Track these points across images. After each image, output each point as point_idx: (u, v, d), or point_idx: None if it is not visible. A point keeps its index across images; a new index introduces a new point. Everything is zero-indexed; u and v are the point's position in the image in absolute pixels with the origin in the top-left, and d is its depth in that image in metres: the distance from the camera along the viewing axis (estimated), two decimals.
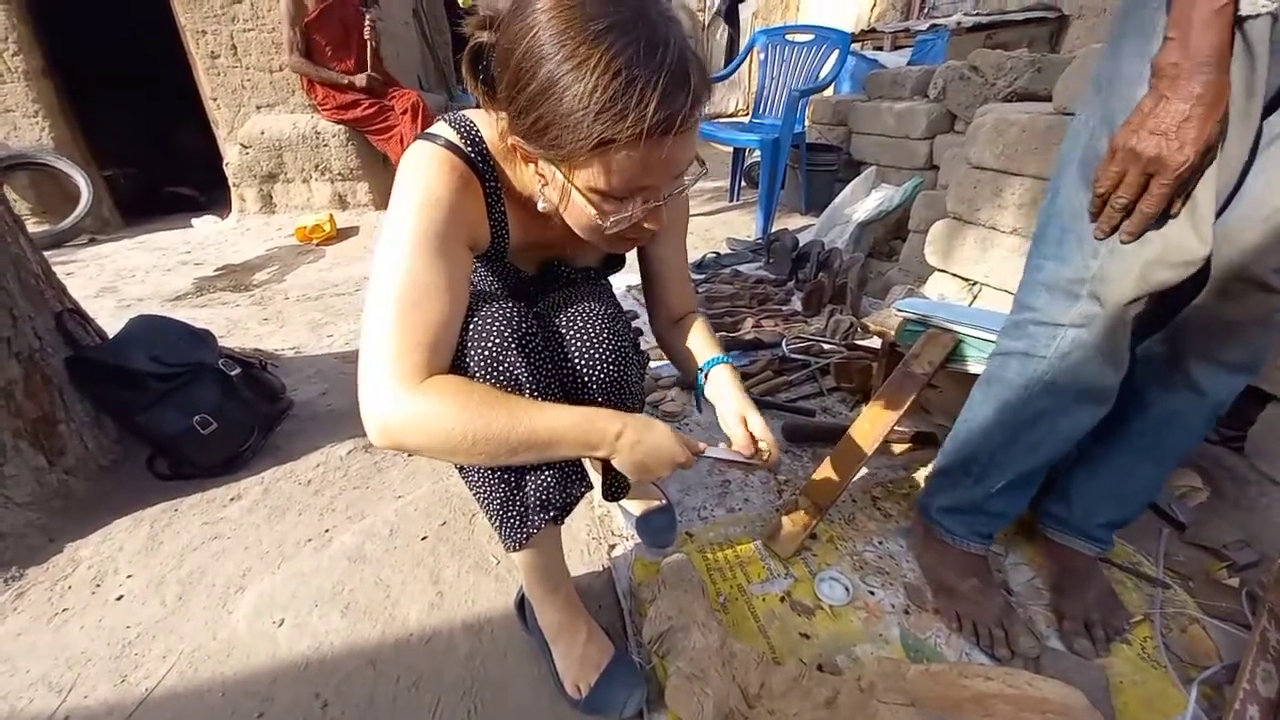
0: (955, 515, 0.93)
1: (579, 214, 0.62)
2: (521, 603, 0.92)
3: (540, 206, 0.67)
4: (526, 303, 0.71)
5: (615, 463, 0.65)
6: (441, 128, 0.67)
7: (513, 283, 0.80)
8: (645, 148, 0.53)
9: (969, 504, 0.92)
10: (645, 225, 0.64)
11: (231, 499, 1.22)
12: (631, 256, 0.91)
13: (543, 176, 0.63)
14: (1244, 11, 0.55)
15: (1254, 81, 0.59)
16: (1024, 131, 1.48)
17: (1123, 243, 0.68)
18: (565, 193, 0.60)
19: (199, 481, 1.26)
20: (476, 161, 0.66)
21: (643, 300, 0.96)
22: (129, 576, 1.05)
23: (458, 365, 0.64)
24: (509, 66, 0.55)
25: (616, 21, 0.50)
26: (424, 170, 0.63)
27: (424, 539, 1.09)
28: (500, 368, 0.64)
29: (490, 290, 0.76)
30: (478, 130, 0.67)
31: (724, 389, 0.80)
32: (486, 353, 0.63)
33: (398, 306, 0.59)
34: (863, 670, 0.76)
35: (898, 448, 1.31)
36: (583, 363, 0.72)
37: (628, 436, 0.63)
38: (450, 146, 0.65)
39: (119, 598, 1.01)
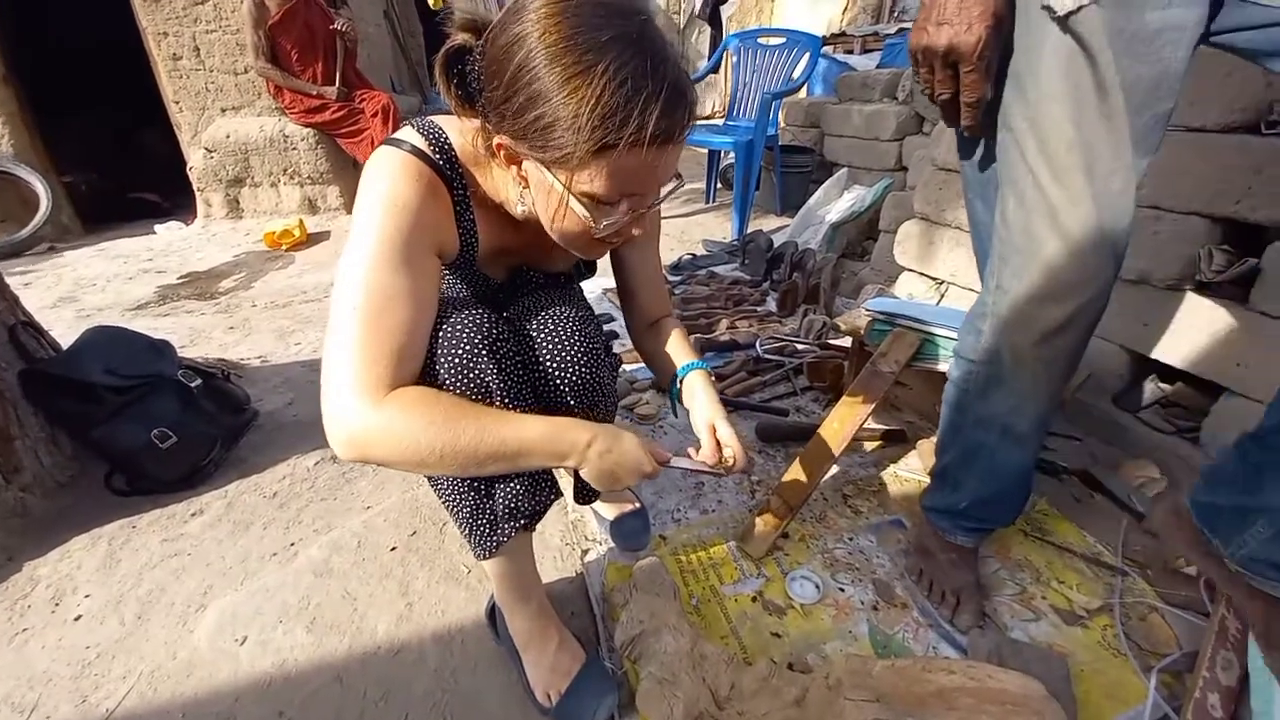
0: (940, 515, 0.94)
1: (565, 217, 0.61)
2: (493, 611, 0.91)
3: (518, 211, 0.67)
4: (496, 310, 0.70)
5: (584, 472, 0.65)
6: (408, 133, 0.66)
7: (482, 290, 0.79)
8: (644, 155, 0.54)
9: (949, 508, 0.92)
10: (629, 230, 0.64)
11: (193, 514, 1.19)
12: (604, 263, 0.92)
13: (524, 180, 0.62)
14: (1058, 11, 0.55)
15: (1102, 78, 0.58)
16: None
17: (967, 134, 0.67)
18: (553, 196, 0.60)
19: (159, 497, 1.22)
20: (444, 168, 0.65)
21: (619, 303, 0.96)
22: (87, 596, 1.02)
23: (427, 373, 0.63)
24: (504, 67, 0.54)
25: (621, 35, 0.52)
26: (388, 177, 0.62)
27: (393, 550, 1.08)
28: (470, 375, 0.63)
29: (459, 298, 0.75)
30: (445, 136, 0.66)
31: (697, 396, 0.81)
32: (457, 360, 0.62)
33: (362, 316, 0.58)
34: (831, 668, 0.77)
35: (868, 445, 1.33)
36: (554, 365, 0.72)
37: (597, 446, 0.63)
38: (416, 152, 0.64)
39: (78, 617, 0.98)
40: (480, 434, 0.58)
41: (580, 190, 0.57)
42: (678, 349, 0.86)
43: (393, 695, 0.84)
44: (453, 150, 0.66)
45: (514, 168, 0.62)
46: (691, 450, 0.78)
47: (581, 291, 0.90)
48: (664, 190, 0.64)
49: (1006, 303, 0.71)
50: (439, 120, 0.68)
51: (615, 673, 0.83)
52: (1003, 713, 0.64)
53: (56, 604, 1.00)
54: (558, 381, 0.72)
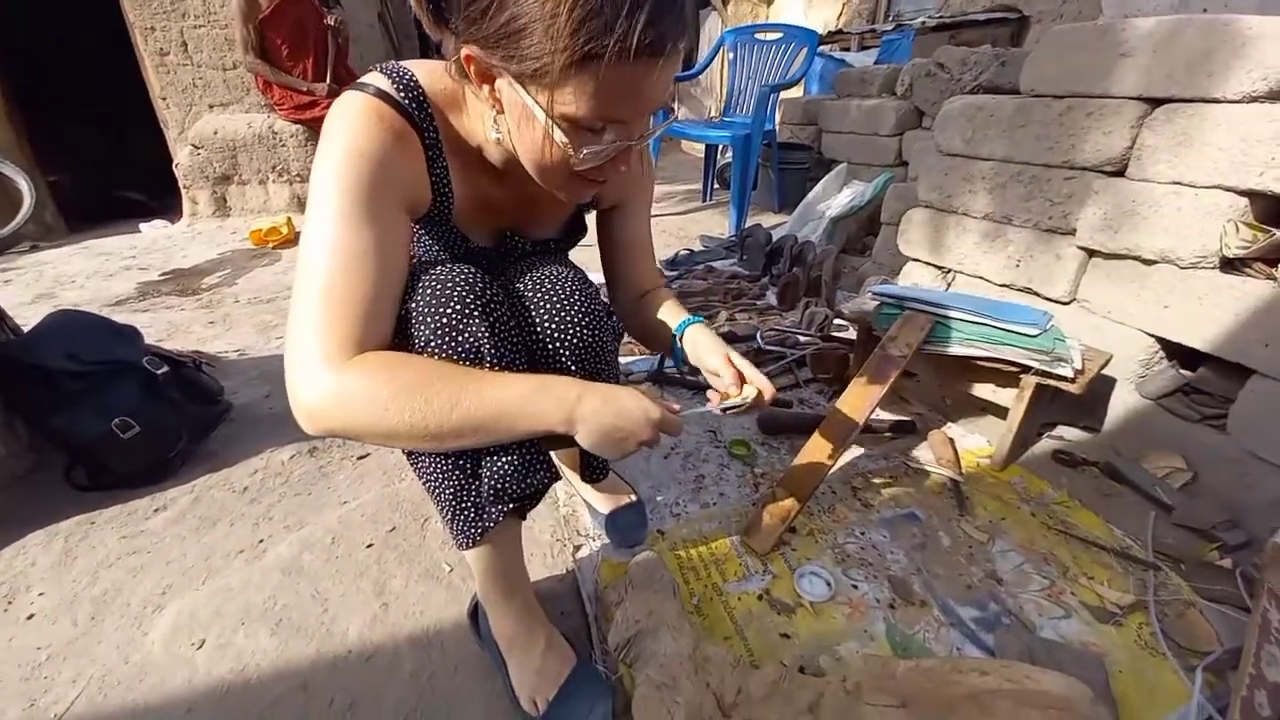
0: None
1: (541, 145, 0.54)
2: (475, 612, 0.84)
3: (491, 138, 0.60)
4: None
5: (582, 439, 0.56)
6: (373, 76, 0.59)
7: (462, 253, 0.71)
8: (629, 69, 0.48)
9: None
10: (614, 167, 0.57)
11: (156, 510, 1.11)
12: (591, 236, 0.85)
13: (498, 101, 0.55)
14: None
15: None
16: (992, 116, 1.47)
17: None
18: (528, 118, 0.53)
19: (121, 492, 1.14)
20: (411, 110, 0.58)
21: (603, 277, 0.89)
22: (41, 594, 0.95)
23: (404, 336, 0.56)
24: None
25: None
26: (349, 122, 0.56)
27: (369, 547, 1.00)
28: (459, 337, 0.56)
29: (441, 259, 0.68)
30: (414, 77, 0.60)
31: (702, 342, 0.73)
32: (445, 320, 0.56)
33: (322, 277, 0.52)
34: (848, 670, 0.69)
35: (877, 437, 1.26)
36: (553, 326, 0.65)
37: (589, 402, 0.55)
38: (381, 95, 0.57)
39: (29, 616, 0.91)
40: (455, 396, 0.51)
41: (559, 112, 0.51)
42: (673, 313, 0.79)
43: (362, 703, 0.76)
44: (421, 90, 0.59)
45: (486, 88, 0.55)
46: (712, 394, 0.69)
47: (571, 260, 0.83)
48: (654, 124, 0.57)
49: None
50: (408, 62, 0.61)
51: (609, 677, 0.75)
52: (1045, 718, 0.57)
53: (9, 602, 0.93)
54: (556, 345, 0.65)
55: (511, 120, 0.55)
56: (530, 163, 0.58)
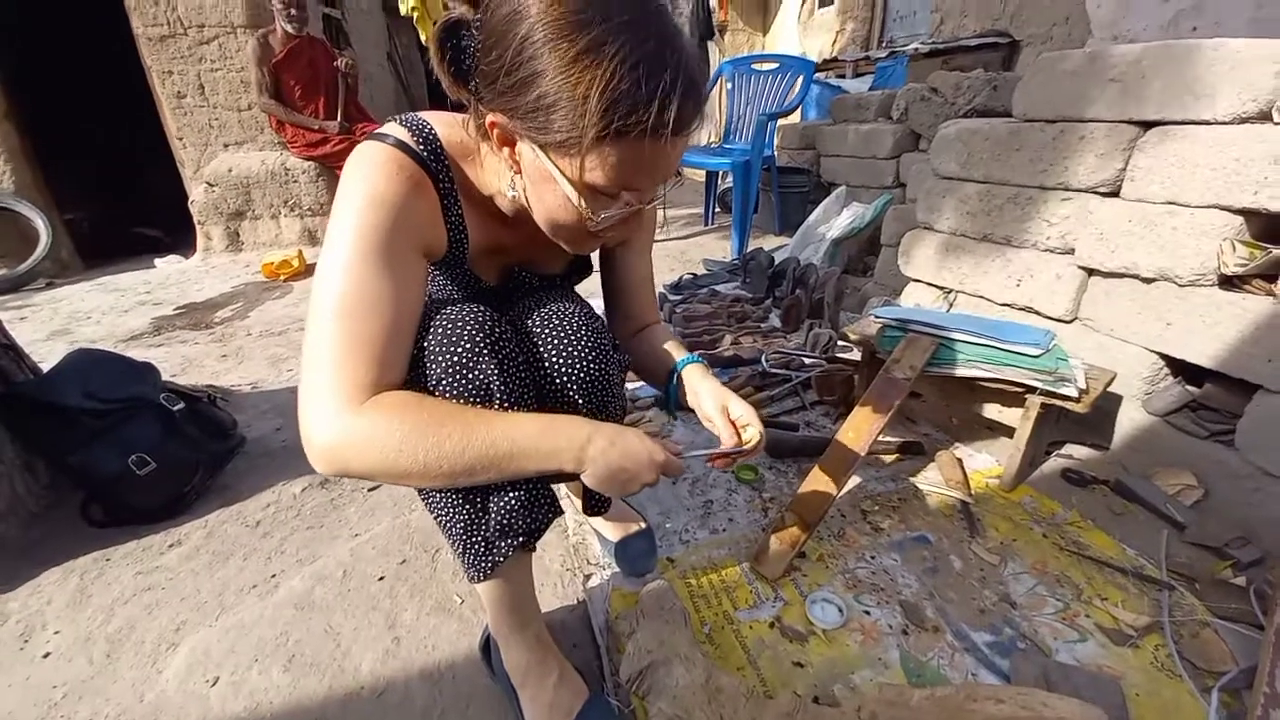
0: None
1: (559, 206, 0.57)
2: (487, 644, 0.84)
3: (508, 197, 0.63)
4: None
5: (589, 478, 0.58)
6: (391, 127, 0.62)
7: (473, 292, 0.74)
8: (653, 146, 0.51)
9: None
10: (625, 227, 0.61)
11: (170, 545, 1.12)
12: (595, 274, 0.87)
13: (517, 164, 0.58)
14: None
15: None
16: (986, 139, 1.50)
17: None
18: (548, 183, 0.56)
19: (136, 528, 1.15)
20: (429, 161, 0.61)
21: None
22: (56, 632, 0.96)
23: (417, 375, 0.58)
24: (505, 39, 0.51)
25: (636, 19, 0.49)
26: (369, 170, 0.58)
27: (381, 579, 1.00)
28: (469, 376, 0.58)
29: (452, 298, 0.70)
30: (431, 129, 0.63)
31: (699, 385, 0.75)
32: (455, 359, 0.58)
33: (339, 320, 0.54)
34: (862, 700, 0.69)
35: (885, 459, 1.26)
36: (560, 361, 0.67)
37: (597, 443, 0.57)
38: (399, 145, 0.60)
39: (46, 655, 0.92)
40: (467, 437, 0.53)
41: (581, 179, 0.53)
42: (670, 348, 0.81)
43: None
44: (439, 143, 0.62)
45: (506, 150, 0.58)
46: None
47: (578, 295, 0.85)
48: (663, 188, 0.60)
49: None
50: (424, 114, 0.65)
51: (622, 710, 0.75)
52: None
53: (25, 640, 0.94)
54: (564, 379, 0.67)
55: (530, 181, 0.58)
56: (546, 221, 0.60)
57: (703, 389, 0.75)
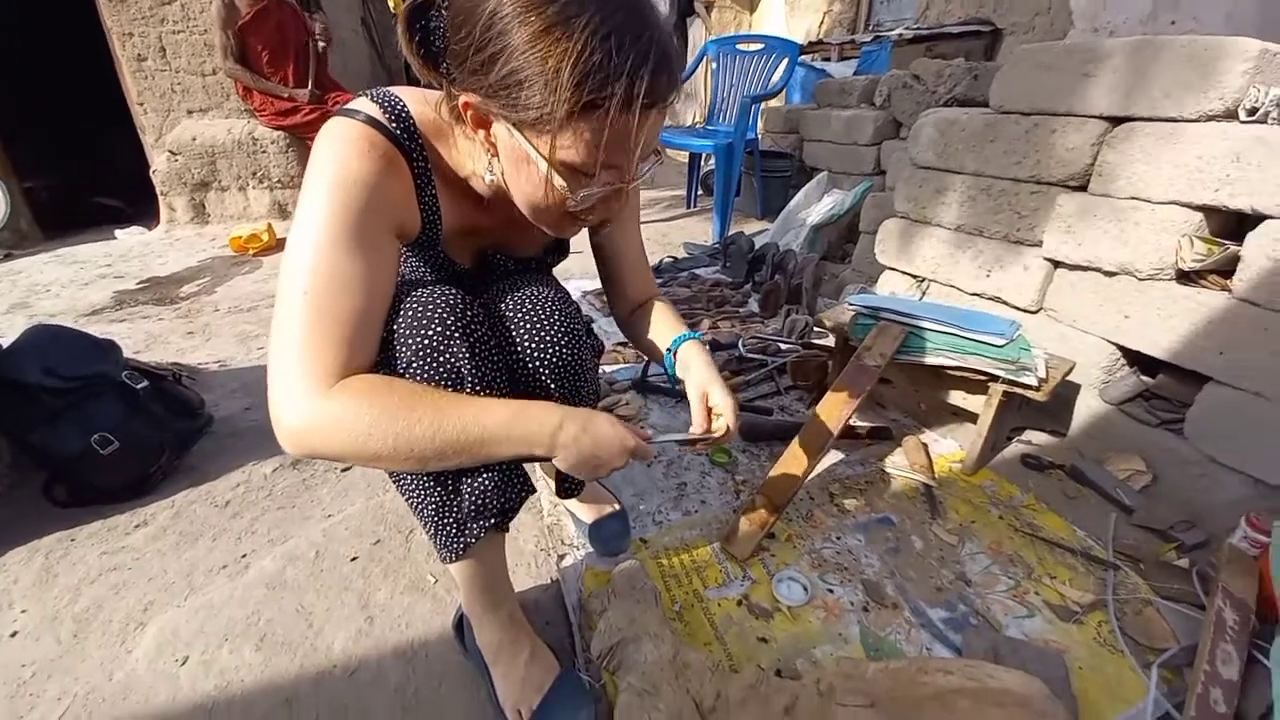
0: None
1: (537, 187, 0.56)
2: (460, 623, 0.85)
3: (485, 180, 0.62)
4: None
5: (560, 462, 0.59)
6: (362, 103, 0.60)
7: (447, 275, 0.73)
8: (627, 119, 0.50)
9: None
10: (606, 206, 0.60)
11: (136, 525, 1.10)
12: (587, 251, 0.87)
13: (493, 146, 0.57)
14: None
15: None
16: (963, 130, 1.51)
17: None
18: (525, 163, 0.55)
19: (101, 507, 1.13)
20: (402, 139, 0.60)
21: (598, 305, 0.91)
22: (23, 611, 0.95)
23: (386, 358, 0.58)
24: (473, 16, 0.50)
25: None
26: (340, 148, 0.57)
27: (354, 560, 1.00)
28: (440, 359, 0.58)
29: (424, 279, 0.70)
30: (404, 105, 0.61)
31: (691, 364, 0.76)
32: (425, 342, 0.57)
33: (308, 300, 0.53)
34: (822, 673, 0.72)
35: (854, 443, 1.29)
36: (532, 345, 0.67)
37: (569, 429, 0.57)
38: (371, 122, 0.58)
39: (13, 634, 0.91)
40: (437, 422, 0.53)
41: (556, 157, 0.53)
42: (669, 324, 0.82)
43: (347, 717, 0.76)
44: (411, 120, 0.61)
45: (481, 132, 0.57)
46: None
47: (554, 277, 0.85)
48: (644, 167, 0.59)
49: None
50: (396, 90, 0.63)
51: (592, 685, 0.77)
52: (1005, 715, 0.60)
53: None
54: (536, 364, 0.67)
55: (507, 163, 0.57)
56: (525, 203, 0.60)
57: (692, 367, 0.76)
